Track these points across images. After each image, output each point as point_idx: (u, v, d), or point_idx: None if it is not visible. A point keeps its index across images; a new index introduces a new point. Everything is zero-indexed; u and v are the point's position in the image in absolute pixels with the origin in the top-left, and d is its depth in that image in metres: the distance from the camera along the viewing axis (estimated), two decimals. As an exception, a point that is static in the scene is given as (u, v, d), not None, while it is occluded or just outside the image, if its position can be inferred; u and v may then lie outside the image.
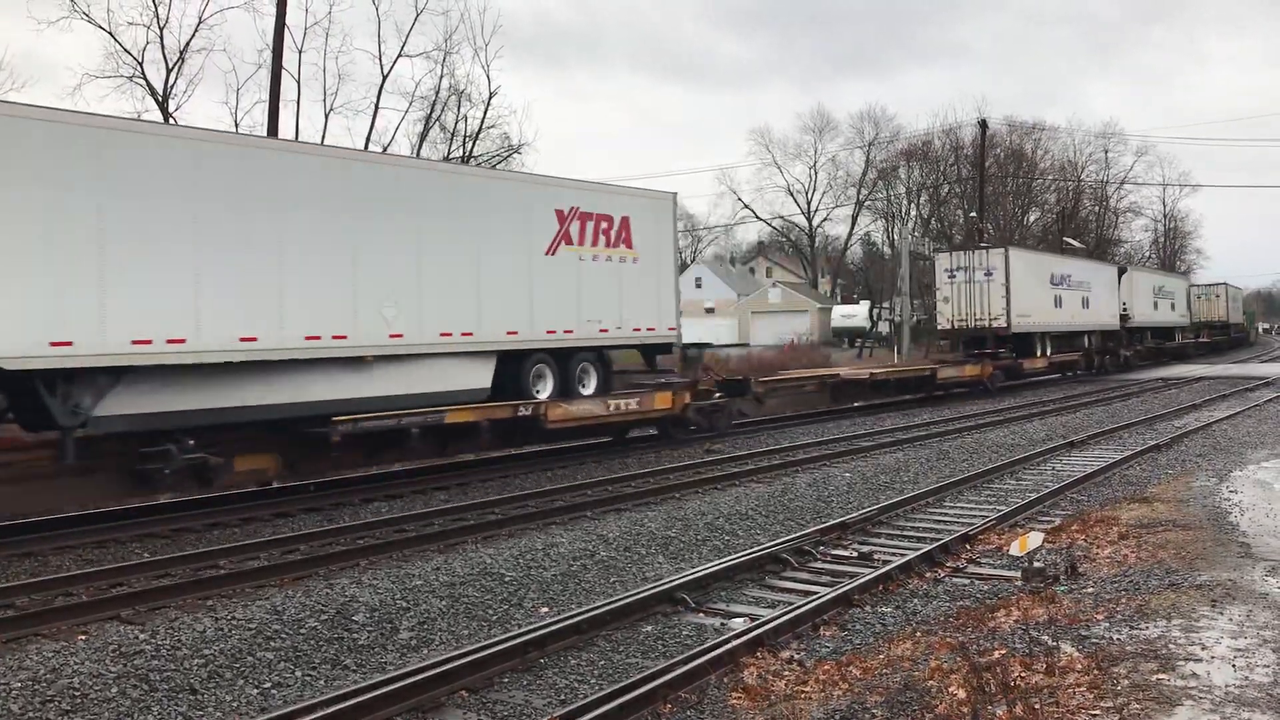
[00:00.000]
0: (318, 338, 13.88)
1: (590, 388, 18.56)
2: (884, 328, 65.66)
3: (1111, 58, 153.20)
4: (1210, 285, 74.48)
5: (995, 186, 67.05)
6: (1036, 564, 9.54)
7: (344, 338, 14.21)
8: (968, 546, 10.95)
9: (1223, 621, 7.57)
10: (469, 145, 36.47)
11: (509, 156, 37.28)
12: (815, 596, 8.90)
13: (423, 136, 36.03)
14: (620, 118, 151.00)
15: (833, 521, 12.06)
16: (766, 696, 6.70)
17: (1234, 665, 6.60)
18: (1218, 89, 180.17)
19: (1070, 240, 60.06)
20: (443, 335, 15.63)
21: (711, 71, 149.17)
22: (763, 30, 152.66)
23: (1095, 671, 6.50)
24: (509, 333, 16.73)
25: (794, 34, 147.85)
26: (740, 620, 8.51)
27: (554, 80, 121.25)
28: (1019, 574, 9.50)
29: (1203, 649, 6.93)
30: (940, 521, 12.53)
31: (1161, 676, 6.39)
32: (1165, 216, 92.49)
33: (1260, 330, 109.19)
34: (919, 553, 10.38)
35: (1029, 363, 34.80)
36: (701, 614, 8.80)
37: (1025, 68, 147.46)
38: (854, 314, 73.46)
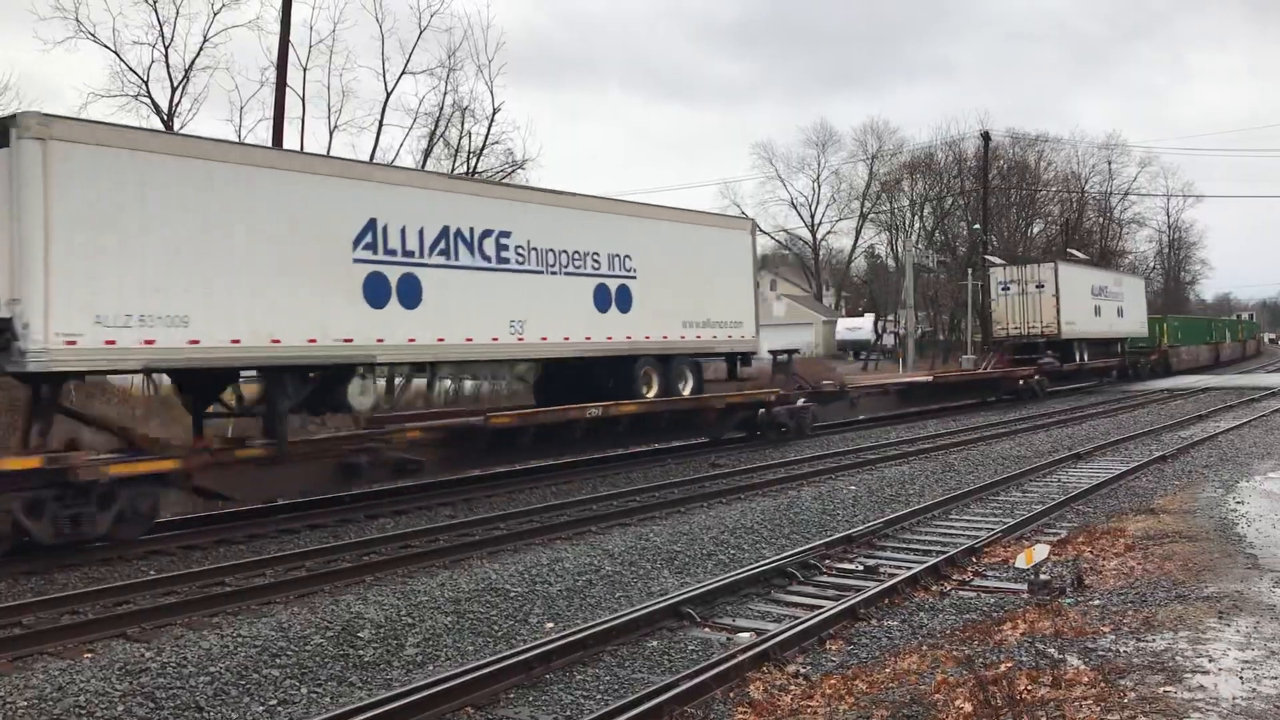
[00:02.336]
0: None
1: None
2: (888, 340, 65.67)
3: (1099, 74, 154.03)
4: (1028, 264, 39.50)
5: (999, 199, 67.08)
6: (1043, 576, 9.52)
7: None
8: (974, 559, 10.93)
9: (1230, 633, 7.55)
10: (473, 161, 36.55)
11: (513, 172, 37.39)
12: (821, 610, 8.88)
13: (427, 153, 36.15)
14: (615, 135, 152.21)
15: (838, 535, 12.04)
16: (773, 711, 6.69)
17: (1241, 677, 6.58)
18: (1204, 103, 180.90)
19: (1074, 252, 60.00)
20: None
21: (703, 90, 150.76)
22: (752, 50, 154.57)
23: (1102, 684, 6.48)
24: None
25: (783, 54, 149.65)
26: (746, 635, 8.50)
27: (549, 99, 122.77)
28: (1025, 587, 9.48)
29: (1210, 661, 6.91)
30: (946, 534, 12.50)
31: (1168, 689, 6.37)
32: (1169, 227, 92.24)
33: (1267, 340, 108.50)
34: (925, 566, 10.36)
35: None
36: (707, 628, 8.79)
37: (1013, 84, 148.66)
38: (859, 327, 73.45)
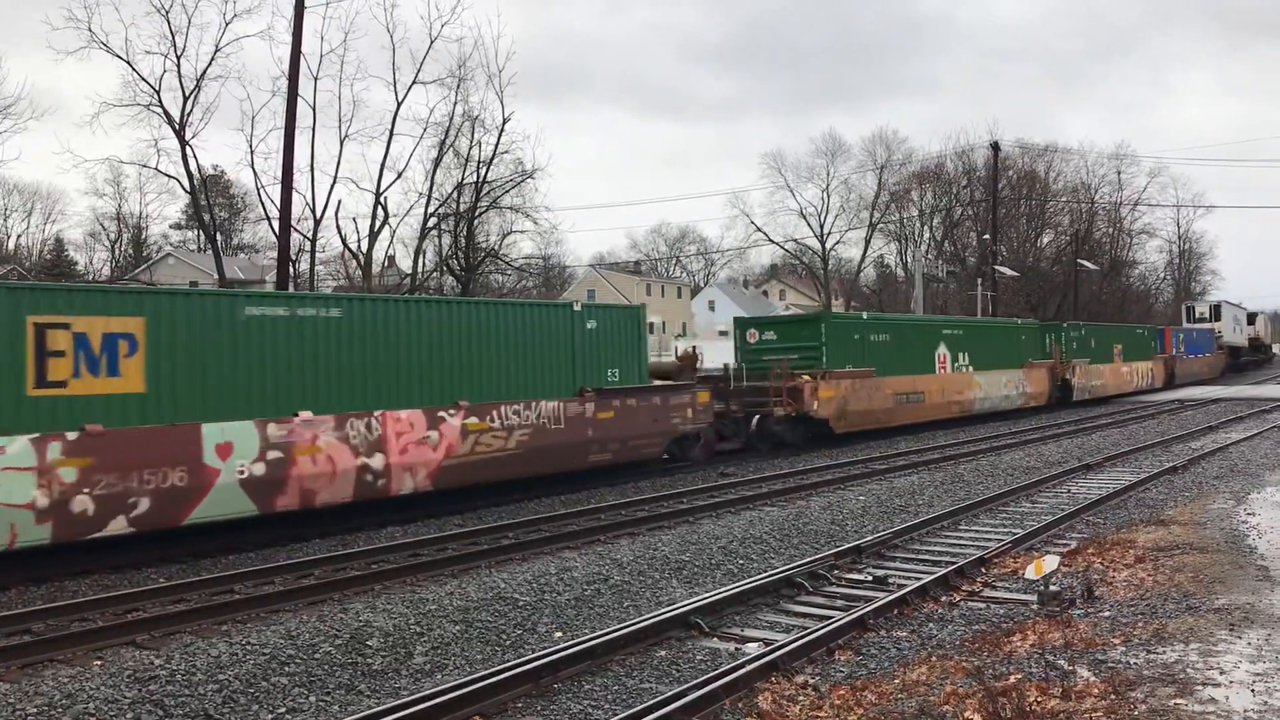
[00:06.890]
0: None
1: None
2: None
3: (1079, 90, 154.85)
4: None
5: (1008, 209, 66.98)
6: (1052, 587, 9.49)
7: None
8: (983, 570, 10.90)
9: (1241, 645, 7.52)
10: (483, 171, 36.63)
11: (522, 182, 37.52)
12: (830, 621, 8.87)
13: (436, 162, 36.26)
14: (609, 149, 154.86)
15: (847, 545, 12.02)
16: (781, 722, 6.67)
17: (1253, 690, 6.55)
18: (1187, 117, 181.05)
19: (1084, 262, 59.89)
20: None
21: (693, 106, 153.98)
22: (737, 68, 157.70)
23: (1112, 696, 6.46)
24: None
25: (767, 72, 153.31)
26: (755, 645, 8.49)
27: (544, 114, 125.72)
28: (1035, 598, 9.45)
29: (1221, 673, 6.88)
30: (955, 545, 12.47)
31: (1179, 701, 6.35)
32: (1180, 238, 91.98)
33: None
34: (934, 576, 10.34)
35: None
36: (716, 638, 8.77)
37: (999, 99, 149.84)
38: None
